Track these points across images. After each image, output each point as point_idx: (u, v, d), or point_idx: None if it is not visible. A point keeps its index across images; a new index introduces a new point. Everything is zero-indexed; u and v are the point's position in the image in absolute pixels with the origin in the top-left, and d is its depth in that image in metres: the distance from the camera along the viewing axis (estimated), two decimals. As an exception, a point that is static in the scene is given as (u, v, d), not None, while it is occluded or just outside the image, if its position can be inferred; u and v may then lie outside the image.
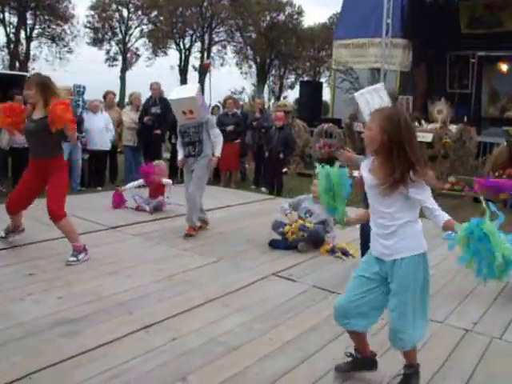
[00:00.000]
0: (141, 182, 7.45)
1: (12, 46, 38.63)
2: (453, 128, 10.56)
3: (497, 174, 9.95)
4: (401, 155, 2.61)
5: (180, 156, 6.31)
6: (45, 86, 4.85)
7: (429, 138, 11.02)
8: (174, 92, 6.40)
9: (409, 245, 2.76)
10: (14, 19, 38.72)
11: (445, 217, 2.69)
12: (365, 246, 5.09)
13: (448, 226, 2.69)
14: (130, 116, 10.20)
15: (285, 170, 10.01)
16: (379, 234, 2.81)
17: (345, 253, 5.48)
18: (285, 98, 42.64)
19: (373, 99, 4.86)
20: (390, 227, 2.75)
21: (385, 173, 2.66)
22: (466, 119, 12.70)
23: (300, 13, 46.85)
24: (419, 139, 11.02)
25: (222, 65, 46.79)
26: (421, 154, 2.70)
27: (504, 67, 15.30)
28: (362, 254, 5.05)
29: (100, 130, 9.32)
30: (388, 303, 2.84)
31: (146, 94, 10.59)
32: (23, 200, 5.10)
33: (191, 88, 6.29)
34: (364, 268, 2.93)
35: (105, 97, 10.39)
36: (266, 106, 18.17)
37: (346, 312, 2.90)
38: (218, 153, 6.21)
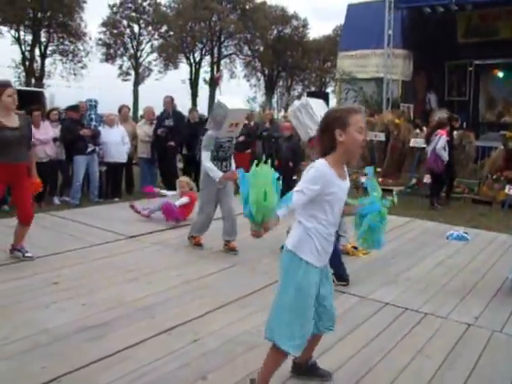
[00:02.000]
0: (175, 193, 7.52)
1: (27, 63, 39.31)
2: (453, 134, 10.69)
3: (495, 176, 10.09)
4: None
5: (218, 171, 5.71)
6: None
7: (421, 143, 11.18)
8: (227, 102, 5.86)
9: (291, 239, 2.80)
10: (29, 37, 39.51)
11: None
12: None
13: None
14: (143, 129, 10.40)
15: (295, 177, 10.13)
16: None
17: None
18: (293, 108, 42.68)
19: (302, 114, 5.02)
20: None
21: None
22: (465, 125, 12.88)
23: (305, 25, 47.31)
24: (420, 145, 11.21)
25: (231, 77, 47.20)
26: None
27: (500, 74, 15.55)
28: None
29: (116, 142, 9.53)
30: None
31: (158, 108, 10.79)
32: None
33: (235, 101, 5.88)
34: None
35: (120, 110, 10.64)
36: (276, 117, 18.37)
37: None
38: (233, 167, 5.94)
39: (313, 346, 3.08)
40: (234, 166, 5.90)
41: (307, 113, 5.04)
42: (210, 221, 5.99)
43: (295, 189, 2.62)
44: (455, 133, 10.39)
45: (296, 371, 3.17)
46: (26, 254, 5.36)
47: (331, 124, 2.71)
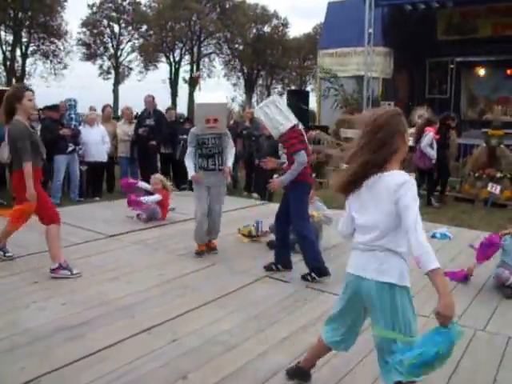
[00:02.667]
0: (158, 197, 7.35)
1: (8, 63, 38.93)
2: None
3: (477, 174, 10.24)
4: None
5: (192, 170, 5.66)
6: None
7: (411, 141, 11.30)
8: (202, 97, 5.88)
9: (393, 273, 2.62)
10: (10, 37, 39.20)
11: None
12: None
13: None
14: (122, 129, 10.38)
15: (275, 175, 10.18)
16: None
17: None
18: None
19: (271, 110, 4.97)
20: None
21: None
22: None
23: (285, 24, 47.46)
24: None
25: (209, 76, 47.12)
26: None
27: (481, 72, 15.73)
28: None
29: (97, 142, 9.52)
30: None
31: (138, 107, 10.79)
32: None
33: (220, 95, 5.71)
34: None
35: (103, 110, 10.61)
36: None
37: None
38: (230, 163, 5.77)
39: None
40: (229, 162, 5.71)
41: (276, 107, 4.97)
42: (203, 224, 5.69)
43: (416, 214, 2.36)
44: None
45: (293, 375, 3.12)
46: (7, 254, 5.32)
47: (395, 128, 2.52)
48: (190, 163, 5.68)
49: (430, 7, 13.81)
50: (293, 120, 5.01)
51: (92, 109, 10.96)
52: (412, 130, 12.03)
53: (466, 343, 3.64)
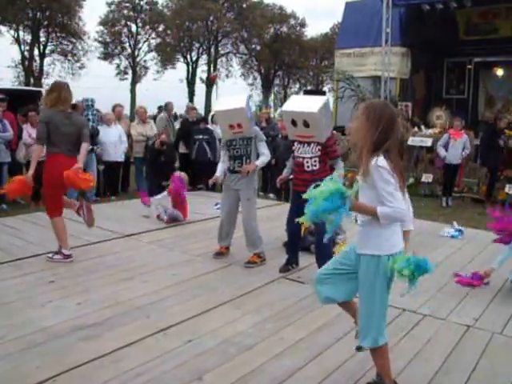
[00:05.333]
0: (165, 194, 7.38)
1: (26, 62, 39.41)
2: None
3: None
4: (366, 143, 2.66)
5: (218, 172, 5.55)
6: None
7: (429, 142, 11.22)
8: (220, 102, 5.71)
9: (369, 243, 2.77)
10: (28, 37, 39.67)
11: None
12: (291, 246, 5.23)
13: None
14: (136, 129, 10.41)
15: (291, 176, 10.15)
16: (359, 225, 2.88)
17: None
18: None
19: (324, 112, 4.83)
20: (362, 220, 2.81)
21: (359, 161, 2.75)
22: (463, 123, 12.90)
23: (303, 24, 47.33)
24: (419, 144, 11.19)
25: (227, 76, 47.22)
26: (399, 145, 2.76)
27: (499, 72, 15.53)
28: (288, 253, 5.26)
29: (114, 142, 9.59)
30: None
31: (155, 107, 10.79)
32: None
33: (239, 98, 5.37)
34: (343, 252, 3.07)
35: (113, 110, 10.65)
36: (272, 116, 18.37)
37: (317, 280, 3.06)
38: (259, 162, 5.47)
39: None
40: (257, 161, 5.44)
41: (326, 109, 4.86)
42: (226, 226, 5.57)
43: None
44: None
45: None
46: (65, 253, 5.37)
47: (393, 119, 2.73)
48: (219, 165, 5.61)
49: (448, 7, 13.65)
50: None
51: (118, 106, 10.98)
52: (430, 131, 11.96)
53: (483, 347, 3.60)
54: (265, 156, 5.47)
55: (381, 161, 2.63)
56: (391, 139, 2.68)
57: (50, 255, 5.34)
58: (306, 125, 4.78)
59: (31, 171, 5.23)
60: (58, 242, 5.32)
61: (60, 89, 5.26)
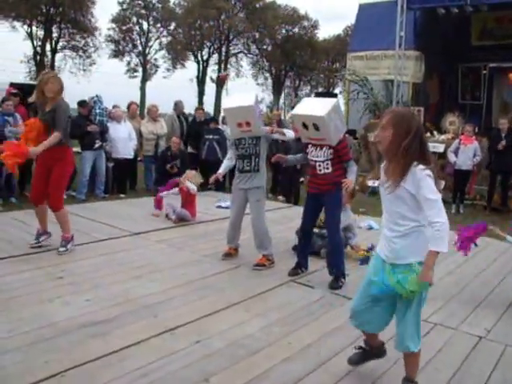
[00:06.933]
0: (176, 190, 7.40)
1: (38, 57, 39.67)
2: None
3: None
4: (406, 150, 2.63)
5: (221, 169, 5.64)
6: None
7: (441, 148, 11.15)
8: (229, 100, 5.67)
9: (415, 251, 2.73)
10: (41, 32, 39.94)
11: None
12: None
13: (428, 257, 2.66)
14: (147, 127, 10.42)
15: (301, 179, 10.11)
16: (387, 235, 2.83)
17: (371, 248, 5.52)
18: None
19: (334, 116, 4.76)
20: (399, 230, 2.76)
21: (392, 170, 2.70)
22: (476, 129, 12.82)
23: (315, 26, 47.29)
24: (432, 150, 11.09)
25: (237, 76, 47.27)
26: (429, 153, 2.72)
27: None
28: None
29: (124, 139, 9.59)
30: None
31: (164, 105, 10.78)
32: (40, 190, 5.43)
33: (248, 96, 5.29)
34: (372, 272, 2.97)
35: (128, 107, 10.66)
36: (283, 117, 18.34)
37: (355, 315, 3.07)
38: (290, 134, 5.58)
39: None
40: (264, 167, 5.44)
41: (336, 113, 4.82)
42: (234, 229, 5.55)
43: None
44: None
45: (368, 357, 3.25)
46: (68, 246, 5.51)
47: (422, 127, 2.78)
48: (224, 162, 5.71)
49: (464, 11, 13.49)
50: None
51: (134, 103, 11.00)
52: (443, 137, 11.87)
53: (496, 358, 3.54)
54: (290, 132, 5.64)
55: (427, 170, 2.60)
56: (424, 146, 2.68)
57: (61, 250, 5.39)
58: (316, 128, 4.75)
59: (40, 148, 5.15)
60: (65, 231, 5.47)
61: (60, 80, 5.33)
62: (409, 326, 2.87)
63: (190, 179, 7.24)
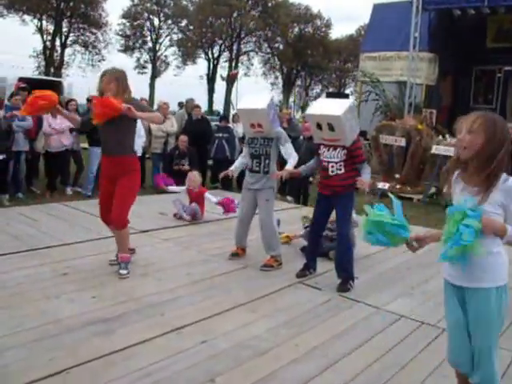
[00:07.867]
0: (184, 188, 7.39)
1: (48, 52, 39.82)
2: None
3: None
4: (499, 161, 2.41)
5: (233, 166, 5.66)
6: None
7: (452, 151, 11.02)
8: (244, 100, 5.70)
9: (492, 272, 2.47)
10: (51, 27, 40.06)
11: None
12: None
13: None
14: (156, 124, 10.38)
15: (311, 179, 10.05)
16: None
17: None
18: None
19: (350, 119, 4.71)
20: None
21: (480, 181, 2.44)
22: None
23: (328, 25, 47.14)
24: (443, 153, 10.96)
25: (247, 74, 47.26)
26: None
27: None
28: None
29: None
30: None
31: (174, 102, 10.78)
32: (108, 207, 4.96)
33: (263, 98, 5.30)
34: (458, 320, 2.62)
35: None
36: (293, 117, 18.29)
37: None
38: (290, 166, 5.37)
39: None
40: (274, 169, 5.40)
41: (351, 113, 4.74)
42: (243, 226, 5.52)
43: None
44: None
45: None
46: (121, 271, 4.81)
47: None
48: (237, 160, 5.73)
49: (481, 12, 13.27)
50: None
51: (143, 100, 10.98)
52: (455, 140, 11.72)
53: (505, 366, 3.45)
54: (292, 157, 5.39)
55: None
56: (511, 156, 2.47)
57: (123, 272, 4.75)
58: (331, 128, 4.70)
59: (137, 114, 4.85)
60: (124, 251, 4.89)
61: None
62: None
63: (193, 183, 7.27)
